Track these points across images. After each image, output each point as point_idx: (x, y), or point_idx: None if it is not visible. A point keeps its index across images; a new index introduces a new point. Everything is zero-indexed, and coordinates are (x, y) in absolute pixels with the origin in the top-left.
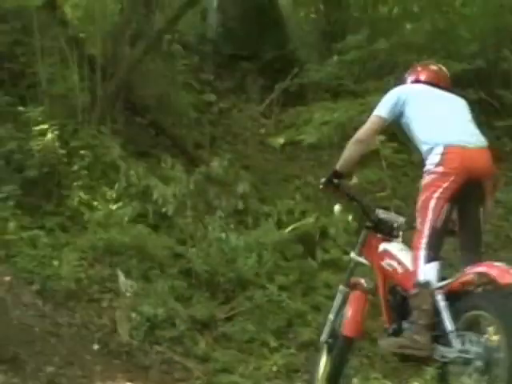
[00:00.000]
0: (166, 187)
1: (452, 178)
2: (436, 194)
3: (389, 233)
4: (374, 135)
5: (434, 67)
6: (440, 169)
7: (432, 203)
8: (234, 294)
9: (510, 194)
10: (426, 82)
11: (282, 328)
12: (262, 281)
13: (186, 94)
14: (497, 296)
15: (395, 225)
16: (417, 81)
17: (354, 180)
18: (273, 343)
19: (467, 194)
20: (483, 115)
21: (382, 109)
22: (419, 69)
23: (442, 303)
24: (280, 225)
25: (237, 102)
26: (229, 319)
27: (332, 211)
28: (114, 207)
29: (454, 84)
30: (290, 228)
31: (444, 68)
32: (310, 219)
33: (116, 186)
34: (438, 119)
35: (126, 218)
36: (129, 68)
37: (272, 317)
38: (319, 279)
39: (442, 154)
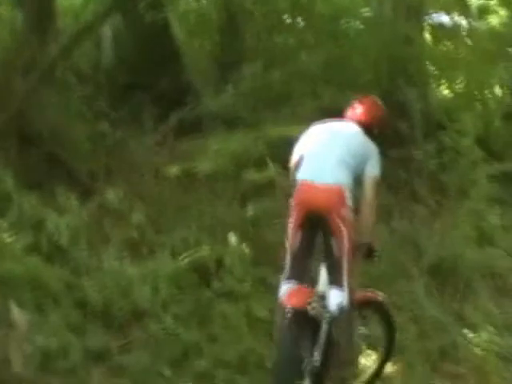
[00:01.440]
0: (60, 218)
1: (297, 209)
2: (291, 223)
3: None
4: None
5: (358, 103)
6: (293, 201)
7: (289, 230)
8: (129, 325)
9: (404, 223)
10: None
11: (178, 358)
12: (157, 311)
13: (81, 125)
14: None
15: None
16: None
17: (250, 211)
18: (168, 374)
19: (315, 224)
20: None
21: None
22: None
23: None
24: (175, 255)
25: (132, 132)
26: (124, 350)
27: (227, 241)
28: (6, 238)
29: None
30: (184, 258)
31: (372, 102)
32: (205, 249)
33: (8, 216)
34: (307, 157)
35: (19, 249)
36: (21, 98)
37: (167, 347)
38: (215, 309)
39: (297, 189)
